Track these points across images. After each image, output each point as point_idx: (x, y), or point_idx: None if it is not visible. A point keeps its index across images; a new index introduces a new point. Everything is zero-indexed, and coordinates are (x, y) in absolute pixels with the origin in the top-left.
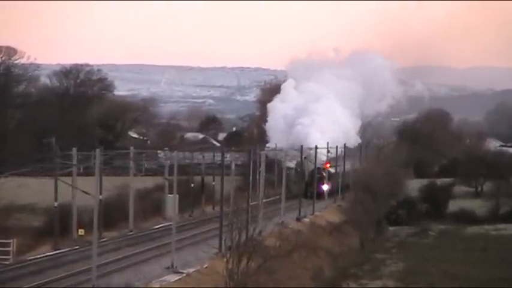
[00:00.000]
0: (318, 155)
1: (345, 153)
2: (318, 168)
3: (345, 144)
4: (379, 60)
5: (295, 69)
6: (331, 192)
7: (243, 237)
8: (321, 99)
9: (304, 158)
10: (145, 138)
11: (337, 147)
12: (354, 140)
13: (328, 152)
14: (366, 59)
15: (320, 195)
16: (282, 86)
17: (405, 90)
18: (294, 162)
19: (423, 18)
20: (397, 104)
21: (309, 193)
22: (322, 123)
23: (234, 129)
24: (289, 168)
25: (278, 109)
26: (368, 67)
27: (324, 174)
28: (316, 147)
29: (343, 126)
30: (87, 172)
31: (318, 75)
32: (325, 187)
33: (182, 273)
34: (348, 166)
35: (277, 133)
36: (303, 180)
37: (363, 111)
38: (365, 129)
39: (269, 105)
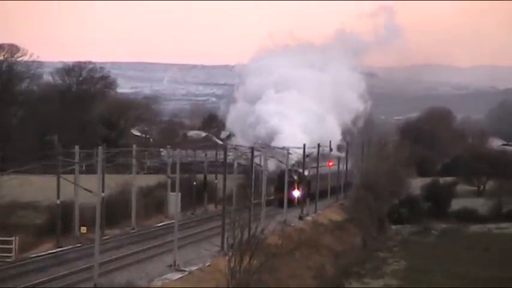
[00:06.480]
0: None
1: (347, 152)
2: (289, 170)
3: (347, 143)
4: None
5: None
6: (304, 198)
7: (245, 235)
8: (289, 88)
9: (307, 156)
10: (147, 136)
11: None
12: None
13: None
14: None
15: (291, 202)
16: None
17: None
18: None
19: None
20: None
21: (277, 201)
22: (291, 114)
23: None
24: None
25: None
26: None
27: (296, 177)
28: (318, 145)
29: (318, 119)
30: (90, 170)
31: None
32: (296, 193)
33: (184, 271)
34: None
35: (237, 125)
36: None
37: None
38: (364, 127)
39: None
